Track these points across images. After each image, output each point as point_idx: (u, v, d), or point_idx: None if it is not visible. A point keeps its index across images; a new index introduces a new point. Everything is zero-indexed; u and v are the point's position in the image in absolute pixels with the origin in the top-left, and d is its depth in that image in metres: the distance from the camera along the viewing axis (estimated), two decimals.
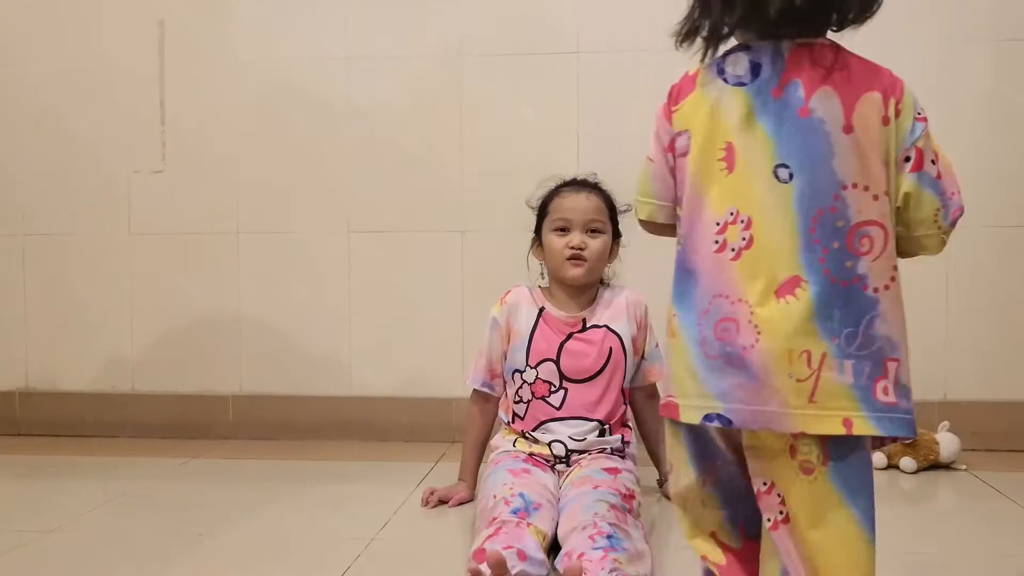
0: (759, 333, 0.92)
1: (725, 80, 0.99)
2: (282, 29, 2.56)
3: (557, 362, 1.83)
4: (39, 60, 2.65)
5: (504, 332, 1.89)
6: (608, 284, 1.94)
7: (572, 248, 1.82)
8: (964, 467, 2.19)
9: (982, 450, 2.31)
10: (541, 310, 1.88)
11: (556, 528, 1.59)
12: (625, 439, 1.85)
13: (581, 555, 1.38)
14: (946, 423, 2.22)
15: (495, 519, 1.53)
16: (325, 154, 2.56)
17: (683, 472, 1.02)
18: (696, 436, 1.00)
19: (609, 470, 1.72)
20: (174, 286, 2.62)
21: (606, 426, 1.82)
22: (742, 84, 0.98)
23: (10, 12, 2.64)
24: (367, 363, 2.57)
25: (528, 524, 1.51)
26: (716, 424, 0.95)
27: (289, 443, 2.53)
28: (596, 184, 1.91)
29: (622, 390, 1.87)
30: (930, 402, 2.38)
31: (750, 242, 0.94)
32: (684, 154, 1.01)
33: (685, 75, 1.05)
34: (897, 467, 2.18)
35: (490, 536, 1.45)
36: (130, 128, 2.62)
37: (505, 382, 1.91)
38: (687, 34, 1.02)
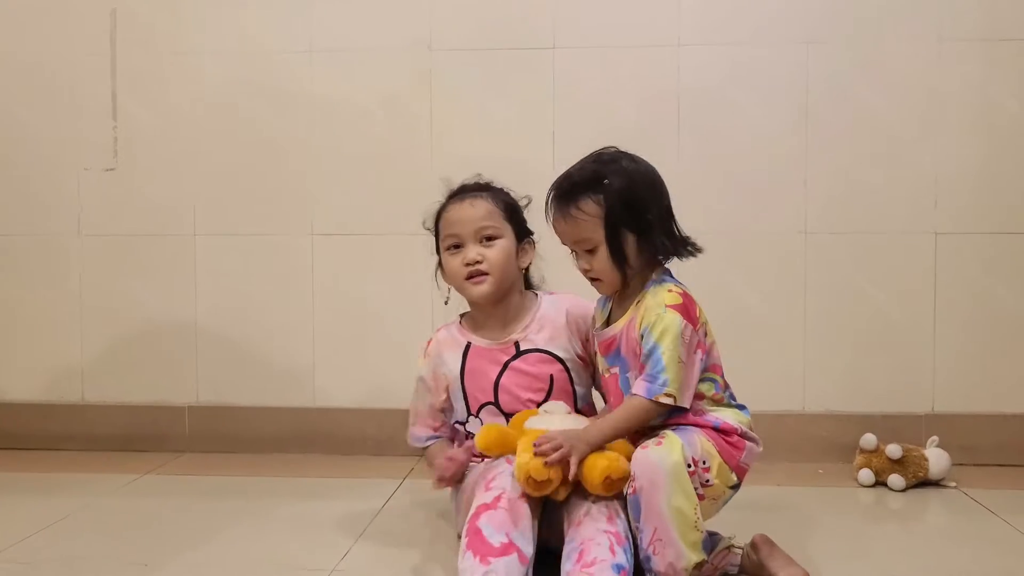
0: None
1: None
2: (242, 19, 2.48)
3: (497, 403, 1.68)
4: None
5: (433, 387, 1.76)
6: (540, 291, 1.77)
7: (468, 265, 1.67)
8: (954, 484, 2.13)
9: (970, 464, 2.25)
10: (467, 347, 1.73)
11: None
12: None
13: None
14: (935, 438, 2.16)
15: (494, 477, 1.47)
16: (287, 152, 2.48)
17: None
18: None
19: None
20: (127, 291, 2.52)
21: None
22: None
23: None
24: (331, 372, 2.49)
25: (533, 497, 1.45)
26: None
27: (248, 457, 2.44)
28: (485, 185, 1.75)
29: (577, 408, 1.71)
30: (917, 415, 2.33)
31: None
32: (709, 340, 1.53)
33: (685, 294, 1.49)
34: (885, 484, 2.12)
35: (486, 506, 1.40)
36: (80, 123, 2.52)
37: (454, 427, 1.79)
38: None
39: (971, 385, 2.34)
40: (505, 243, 1.68)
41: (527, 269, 1.77)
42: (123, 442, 2.50)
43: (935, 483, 2.12)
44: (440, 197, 1.78)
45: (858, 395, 2.35)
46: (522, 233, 1.73)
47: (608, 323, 1.59)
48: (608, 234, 1.48)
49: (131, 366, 2.53)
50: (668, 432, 1.45)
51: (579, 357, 1.71)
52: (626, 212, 1.48)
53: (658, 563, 1.39)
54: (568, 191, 1.51)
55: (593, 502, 1.44)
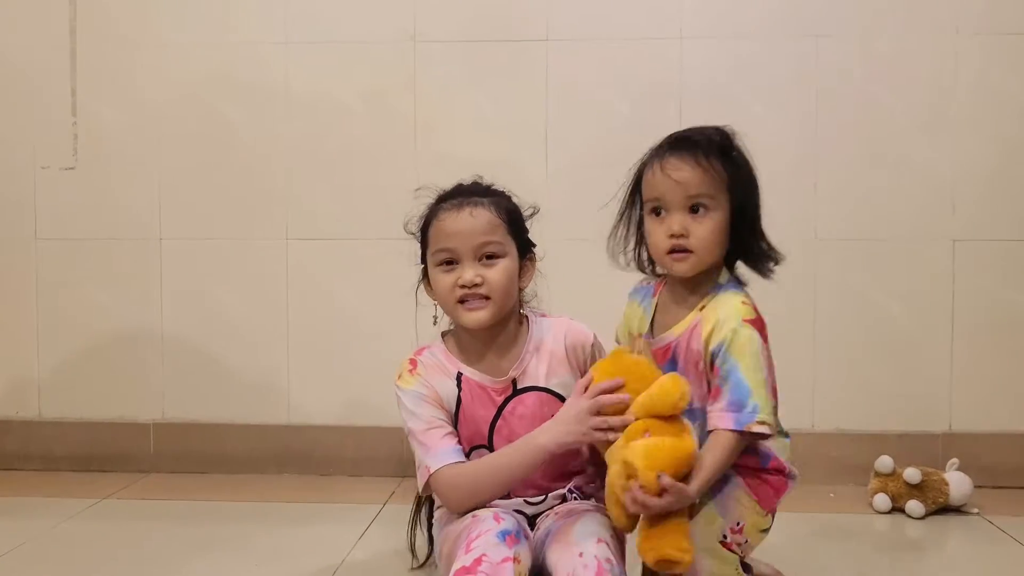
0: None
1: None
2: (214, 8, 2.39)
3: (491, 448, 1.50)
4: None
5: (435, 398, 1.50)
6: (534, 313, 1.58)
7: (463, 287, 1.46)
8: (976, 510, 2.03)
9: (990, 487, 2.16)
10: (459, 377, 1.51)
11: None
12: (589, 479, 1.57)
13: None
14: (955, 461, 2.06)
15: (478, 536, 1.32)
16: (261, 151, 2.39)
17: None
18: None
19: (593, 507, 1.48)
20: (87, 298, 2.43)
21: (566, 489, 1.54)
22: None
23: None
24: (307, 387, 2.40)
25: (516, 560, 1.30)
26: None
27: (217, 478, 2.36)
28: (487, 189, 1.54)
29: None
30: (933, 434, 2.25)
31: None
32: None
33: (756, 309, 1.35)
34: (903, 511, 2.02)
35: (466, 570, 1.27)
36: (37, 119, 2.42)
37: None
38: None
39: (991, 402, 2.25)
40: (508, 263, 1.48)
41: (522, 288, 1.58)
42: (83, 462, 2.41)
43: (956, 509, 2.03)
44: (420, 196, 1.58)
45: (871, 412, 2.26)
46: (524, 247, 1.54)
47: (653, 326, 1.42)
48: (733, 203, 1.34)
49: (92, 380, 2.44)
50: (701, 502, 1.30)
51: None
52: (746, 194, 1.35)
53: None
54: (700, 143, 1.35)
55: (580, 555, 1.31)
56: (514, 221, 1.52)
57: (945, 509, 2.02)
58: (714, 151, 1.34)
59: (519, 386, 1.49)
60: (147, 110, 2.39)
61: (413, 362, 1.53)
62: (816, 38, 2.25)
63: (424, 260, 1.54)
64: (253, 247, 2.39)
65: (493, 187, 1.55)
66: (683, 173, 1.33)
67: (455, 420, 1.50)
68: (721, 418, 1.28)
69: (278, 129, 2.37)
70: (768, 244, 1.38)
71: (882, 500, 2.02)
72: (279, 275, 2.38)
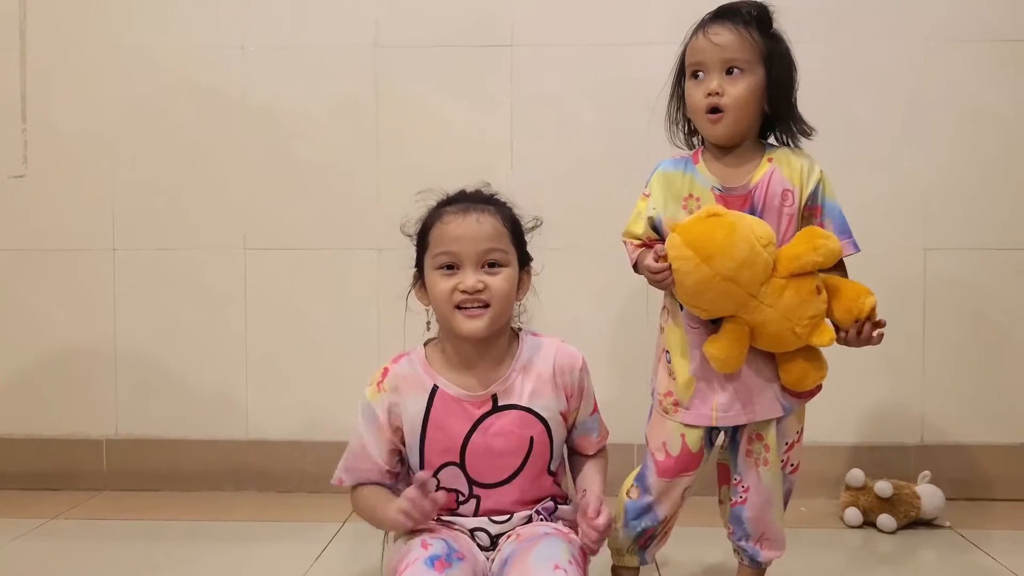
0: None
1: None
2: (169, 12, 2.35)
3: (462, 464, 1.45)
4: None
5: (386, 426, 1.47)
6: (526, 331, 1.54)
7: (464, 292, 1.41)
8: (948, 524, 2.01)
9: (963, 499, 2.14)
10: (434, 390, 1.47)
11: None
12: (558, 499, 1.52)
13: None
14: (927, 474, 2.04)
15: (407, 567, 1.28)
16: (218, 158, 2.34)
17: None
18: None
19: (555, 531, 1.43)
20: (37, 311, 2.37)
21: (533, 511, 1.49)
22: None
23: None
24: (266, 402, 2.35)
25: None
26: None
27: (173, 496, 2.31)
28: (491, 197, 1.50)
29: (550, 472, 1.51)
30: (905, 445, 2.23)
31: None
32: None
33: None
34: (874, 525, 2.00)
35: None
36: None
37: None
38: None
39: (963, 414, 2.23)
40: (510, 273, 1.44)
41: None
42: (33, 480, 2.35)
43: (928, 523, 2.01)
44: (420, 199, 1.53)
45: (842, 425, 2.23)
46: (524, 260, 1.50)
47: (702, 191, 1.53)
48: (767, 70, 1.46)
49: (42, 394, 2.38)
50: (769, 436, 1.51)
51: (561, 415, 1.48)
52: (780, 67, 1.48)
53: (765, 555, 1.54)
54: (740, 14, 1.48)
55: None
56: (517, 232, 1.48)
57: (917, 523, 2.00)
58: (752, 23, 1.47)
59: (500, 403, 1.43)
60: (100, 116, 2.34)
61: (385, 372, 1.48)
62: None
63: (419, 264, 1.49)
64: (210, 257, 2.33)
65: (497, 196, 1.51)
66: (722, 37, 1.46)
67: (421, 437, 1.44)
68: (844, 245, 1.47)
69: (235, 136, 2.31)
70: (802, 119, 1.52)
71: (853, 514, 2.00)
72: (237, 286, 2.33)
